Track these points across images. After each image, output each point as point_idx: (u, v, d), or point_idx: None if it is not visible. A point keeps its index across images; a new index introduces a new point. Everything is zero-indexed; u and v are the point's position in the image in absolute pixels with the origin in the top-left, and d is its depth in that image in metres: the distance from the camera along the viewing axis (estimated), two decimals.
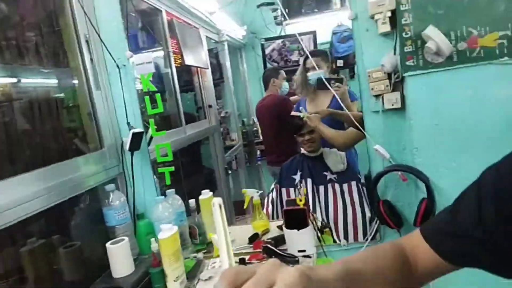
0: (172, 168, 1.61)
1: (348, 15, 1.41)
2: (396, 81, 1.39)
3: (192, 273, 1.48)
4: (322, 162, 2.26)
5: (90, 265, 1.47)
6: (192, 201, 1.72)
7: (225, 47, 3.55)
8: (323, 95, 2.32)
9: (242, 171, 3.82)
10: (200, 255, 1.63)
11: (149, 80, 1.54)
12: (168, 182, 1.63)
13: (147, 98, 1.57)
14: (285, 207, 1.52)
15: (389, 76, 1.40)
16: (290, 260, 1.44)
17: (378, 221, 1.52)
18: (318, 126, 2.09)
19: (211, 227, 1.71)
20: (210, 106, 3.02)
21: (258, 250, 1.57)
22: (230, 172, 3.25)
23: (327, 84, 1.66)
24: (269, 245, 1.53)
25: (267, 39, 4.08)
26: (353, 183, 2.15)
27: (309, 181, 2.23)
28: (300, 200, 1.50)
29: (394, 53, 1.37)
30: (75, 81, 1.55)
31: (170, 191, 1.63)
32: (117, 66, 1.56)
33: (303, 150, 2.33)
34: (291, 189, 2.29)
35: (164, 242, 1.34)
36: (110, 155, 1.56)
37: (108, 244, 1.38)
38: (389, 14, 1.31)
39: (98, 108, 1.52)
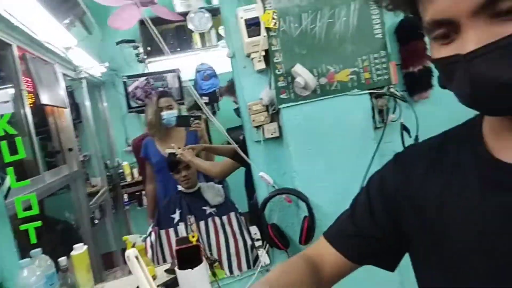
0: (40, 223, 1.42)
1: (226, 53, 1.52)
2: (273, 112, 1.54)
3: None
4: (200, 197, 2.28)
5: None
6: (62, 259, 1.52)
7: (83, 84, 3.33)
8: (175, 133, 2.38)
9: (108, 219, 3.53)
10: None
11: (6, 122, 1.36)
12: (33, 240, 1.42)
13: (3, 143, 1.37)
14: (176, 247, 1.48)
15: (267, 108, 1.53)
16: None
17: (267, 245, 1.60)
18: (192, 160, 2.11)
19: (88, 285, 1.56)
20: (70, 150, 2.76)
21: None
22: (96, 222, 2.98)
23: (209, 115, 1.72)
24: None
25: (129, 77, 3.96)
26: (232, 214, 2.22)
27: (190, 218, 2.22)
28: (193, 237, 1.48)
29: (270, 88, 1.52)
30: None
31: (36, 251, 1.41)
32: None
33: (180, 188, 2.31)
34: (171, 230, 2.23)
35: None
36: None
37: None
38: (263, 53, 1.46)
39: None
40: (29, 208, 1.39)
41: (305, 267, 0.75)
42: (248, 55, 1.51)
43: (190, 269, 1.42)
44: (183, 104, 3.80)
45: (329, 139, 1.54)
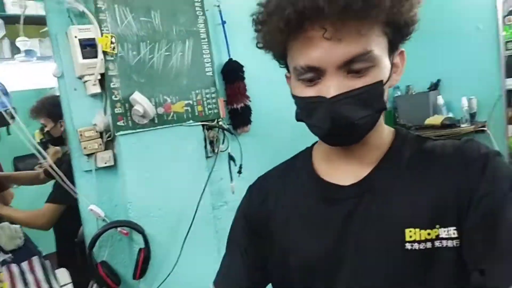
0: None
1: (53, 72, 1.35)
2: (108, 140, 1.44)
3: None
4: None
5: None
6: None
7: None
8: None
9: None
10: None
11: None
12: None
13: None
14: None
15: (101, 135, 1.43)
16: None
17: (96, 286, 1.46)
18: (1, 212, 1.76)
19: None
20: None
21: None
22: None
23: None
24: None
25: None
26: (35, 259, 1.91)
27: None
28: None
29: (105, 113, 1.43)
30: None
31: None
32: None
33: None
34: None
35: None
36: None
37: None
38: (99, 76, 1.37)
39: None
40: None
41: None
42: (80, 77, 1.38)
43: None
44: None
45: (166, 167, 1.55)
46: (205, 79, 1.67)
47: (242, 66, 1.79)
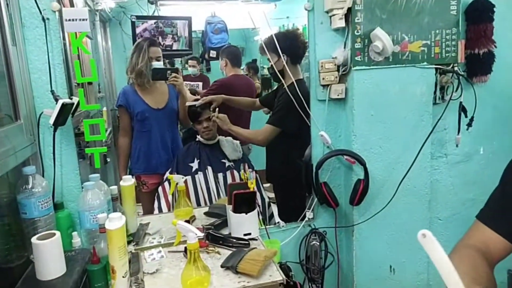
0: (106, 149, 1.38)
1: (305, 5, 1.48)
2: (343, 73, 1.53)
3: (131, 268, 1.31)
4: (219, 150, 2.28)
5: (3, 268, 1.14)
6: (114, 188, 1.50)
7: (97, 17, 3.14)
8: (159, 85, 2.25)
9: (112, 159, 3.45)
10: (130, 247, 1.45)
11: (81, 41, 1.28)
12: (98, 165, 1.39)
13: (77, 62, 1.30)
14: (234, 191, 1.48)
15: (338, 68, 1.53)
16: (241, 244, 1.42)
17: (314, 201, 1.64)
18: (230, 128, 2.08)
19: (133, 216, 1.55)
20: (90, 83, 2.63)
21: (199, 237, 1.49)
22: (108, 160, 2.90)
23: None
24: (212, 231, 1.47)
25: (138, 17, 3.75)
26: (252, 175, 2.24)
27: (209, 168, 2.22)
28: (252, 183, 1.49)
29: (345, 48, 1.51)
30: None
31: (95, 176, 1.38)
32: (42, 18, 1.24)
33: (198, 138, 2.30)
34: (188, 178, 2.23)
35: (114, 233, 1.14)
36: (26, 129, 1.23)
37: (34, 240, 1.10)
38: (345, 11, 1.43)
39: (14, 68, 1.18)
40: None
41: (482, 259, 0.79)
42: (327, 11, 1.48)
43: (244, 213, 1.45)
44: (191, 54, 3.68)
45: (392, 108, 1.56)
46: (448, 18, 1.55)
47: (493, 5, 1.58)
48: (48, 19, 1.26)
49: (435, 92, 1.61)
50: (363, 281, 1.68)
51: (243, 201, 1.47)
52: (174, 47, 3.67)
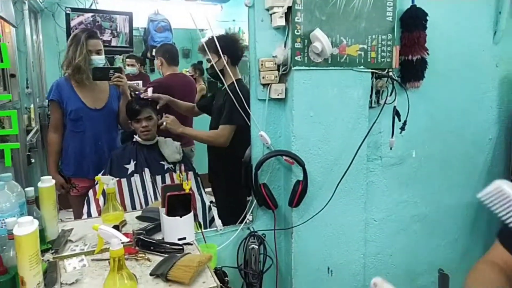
0: (18, 145, 1.24)
1: (246, 1, 1.44)
2: (283, 73, 1.51)
3: (47, 279, 1.18)
4: (157, 151, 2.18)
5: None
6: (30, 190, 1.35)
7: (25, 7, 2.89)
8: (99, 83, 2.09)
9: (39, 160, 3.18)
10: (48, 255, 1.31)
11: None
12: (8, 163, 1.24)
13: None
14: (168, 193, 1.40)
15: (278, 67, 1.50)
16: (174, 250, 1.34)
17: (253, 203, 1.60)
18: (184, 131, 2.02)
19: (53, 222, 1.41)
20: (12, 76, 2.39)
21: (129, 243, 1.39)
22: (32, 161, 2.65)
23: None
24: (142, 236, 1.38)
25: (74, 9, 3.52)
26: (190, 173, 2.17)
27: (146, 170, 2.12)
28: (187, 185, 1.42)
29: (285, 47, 1.49)
30: None
31: (7, 175, 1.23)
32: None
33: (136, 138, 2.18)
34: (123, 180, 2.10)
35: (23, 240, 1.01)
36: None
37: None
38: (285, 10, 1.41)
39: None
40: None
41: (498, 272, 0.79)
42: (268, 9, 1.45)
43: (178, 217, 1.37)
44: (132, 51, 3.53)
45: (330, 110, 1.57)
46: (384, 24, 1.60)
47: (426, 14, 1.65)
48: None
49: (371, 96, 1.64)
50: (302, 283, 1.66)
51: (178, 204, 1.39)
52: (113, 43, 3.46)
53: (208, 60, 2.10)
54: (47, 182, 1.37)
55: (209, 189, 2.33)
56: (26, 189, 1.28)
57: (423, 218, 1.95)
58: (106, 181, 1.63)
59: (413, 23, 1.65)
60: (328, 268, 1.70)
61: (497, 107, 1.98)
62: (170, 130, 2.00)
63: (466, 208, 2.05)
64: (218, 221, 2.01)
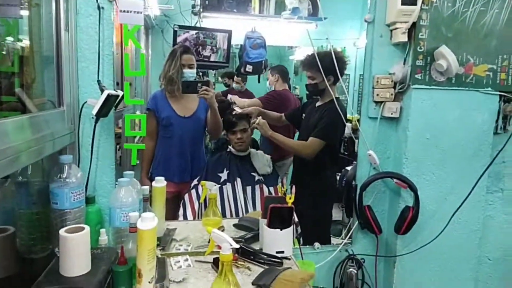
0: (144, 146, 1.33)
1: (366, 17, 1.40)
2: (399, 91, 1.44)
3: (157, 274, 1.22)
4: (249, 163, 2.21)
5: (26, 258, 1.08)
6: (146, 188, 1.43)
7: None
8: (190, 96, 2.18)
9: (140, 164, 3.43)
10: (157, 251, 1.36)
11: (133, 34, 1.24)
12: (134, 162, 1.33)
13: (127, 55, 1.26)
14: (271, 205, 1.39)
15: (394, 85, 1.43)
16: (273, 262, 1.32)
17: (349, 224, 1.53)
18: (273, 135, 2.04)
19: (161, 220, 1.47)
20: (130, 85, 2.63)
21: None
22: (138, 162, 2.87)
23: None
24: (242, 245, 1.38)
25: (181, 27, 3.79)
26: (279, 186, 2.15)
27: (238, 180, 2.15)
28: (290, 198, 1.40)
29: (404, 64, 1.42)
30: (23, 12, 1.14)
31: (130, 173, 1.32)
32: (98, 7, 1.21)
33: (230, 148, 2.23)
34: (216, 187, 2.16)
35: (145, 234, 1.06)
36: (68, 117, 1.19)
37: (63, 232, 1.03)
38: (409, 25, 1.35)
39: (64, 55, 1.15)
40: None
41: None
42: (389, 24, 1.40)
43: (279, 229, 1.35)
44: (227, 66, 3.67)
45: (449, 133, 1.45)
46: None
47: None
48: (103, 8, 1.24)
49: (497, 121, 1.49)
50: None
51: (279, 216, 1.38)
52: (212, 59, 3.66)
53: (311, 78, 2.11)
54: (160, 183, 1.45)
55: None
56: (143, 187, 1.37)
57: None
58: (209, 187, 1.68)
59: None
60: None
61: None
62: (260, 131, 2.04)
63: None
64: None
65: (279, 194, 1.87)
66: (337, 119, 1.79)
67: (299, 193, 2.21)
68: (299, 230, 2.04)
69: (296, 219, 2.03)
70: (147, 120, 2.27)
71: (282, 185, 1.72)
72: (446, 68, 1.34)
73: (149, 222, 1.06)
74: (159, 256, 1.34)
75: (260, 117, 2.12)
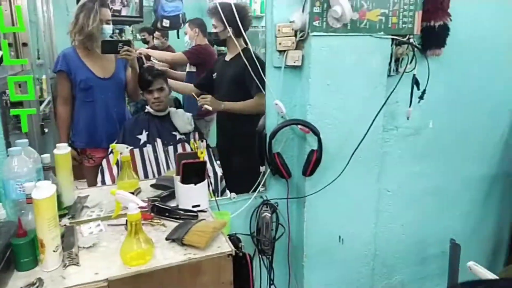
0: (35, 111, 1.23)
1: None
2: (300, 39, 1.46)
3: (64, 242, 1.20)
4: (169, 122, 2.17)
5: None
6: (46, 156, 1.35)
7: None
8: (106, 55, 2.02)
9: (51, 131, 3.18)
10: (65, 220, 1.32)
11: None
12: (25, 129, 1.24)
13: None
14: (183, 161, 1.39)
15: (295, 33, 1.45)
16: (189, 216, 1.35)
17: (267, 172, 1.60)
18: (226, 107, 1.93)
19: (69, 188, 1.42)
20: (24, 45, 2.35)
21: (144, 209, 1.39)
22: (46, 131, 2.65)
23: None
24: (157, 203, 1.39)
25: None
26: (202, 144, 2.16)
27: (159, 141, 2.12)
28: (202, 153, 1.41)
29: (303, 12, 1.43)
30: None
31: (23, 141, 1.23)
32: None
33: (148, 109, 2.17)
34: (136, 150, 2.11)
35: (41, 203, 1.02)
36: None
37: None
38: None
39: None
40: None
41: None
42: None
43: (193, 184, 1.37)
44: (142, 22, 3.46)
45: (348, 78, 1.53)
46: None
47: None
48: None
49: (390, 64, 1.59)
50: (313, 251, 1.68)
51: (192, 171, 1.39)
52: (123, 13, 3.39)
53: (214, 26, 2.06)
54: (63, 149, 1.37)
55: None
56: (42, 155, 1.29)
57: (437, 190, 1.94)
58: (120, 149, 1.63)
59: None
60: (340, 237, 1.71)
61: None
62: (213, 109, 1.94)
63: (481, 180, 2.03)
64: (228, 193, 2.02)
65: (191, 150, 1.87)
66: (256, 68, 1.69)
67: (227, 145, 2.23)
68: (224, 184, 2.08)
69: (220, 174, 2.07)
70: (59, 83, 2.10)
71: (195, 141, 1.72)
72: (341, 14, 1.38)
73: (45, 191, 1.02)
74: (68, 224, 1.30)
75: (209, 96, 1.98)
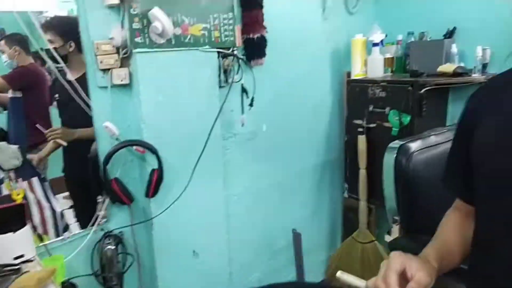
0: None
1: None
2: (124, 56, 1.39)
3: None
4: None
5: None
6: None
7: None
8: None
9: None
10: None
11: None
12: None
13: None
14: None
15: (117, 50, 1.37)
16: (9, 272, 1.15)
17: (105, 202, 1.47)
18: (80, 134, 1.60)
19: None
20: None
21: None
22: None
23: None
24: None
25: None
26: (34, 180, 1.90)
27: None
28: (18, 194, 1.21)
29: (122, 28, 1.36)
30: None
31: None
32: None
33: None
34: None
35: None
36: None
37: None
38: None
39: None
40: None
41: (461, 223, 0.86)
42: None
43: (11, 232, 1.18)
44: None
45: (180, 92, 1.52)
46: (224, 3, 1.60)
47: None
48: None
49: (219, 75, 1.65)
50: (166, 273, 1.62)
51: (10, 218, 1.18)
52: None
53: (50, 41, 1.80)
54: None
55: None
56: None
57: (278, 186, 2.10)
58: None
59: (250, 1, 1.70)
60: (194, 251, 1.70)
61: (330, 78, 2.21)
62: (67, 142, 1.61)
63: (312, 170, 2.28)
64: (76, 228, 1.80)
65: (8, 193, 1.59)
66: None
67: (76, 172, 1.93)
68: (66, 222, 1.83)
69: (59, 210, 1.81)
70: None
71: (10, 181, 1.47)
72: (162, 30, 1.36)
73: None
74: None
75: (59, 128, 1.61)
